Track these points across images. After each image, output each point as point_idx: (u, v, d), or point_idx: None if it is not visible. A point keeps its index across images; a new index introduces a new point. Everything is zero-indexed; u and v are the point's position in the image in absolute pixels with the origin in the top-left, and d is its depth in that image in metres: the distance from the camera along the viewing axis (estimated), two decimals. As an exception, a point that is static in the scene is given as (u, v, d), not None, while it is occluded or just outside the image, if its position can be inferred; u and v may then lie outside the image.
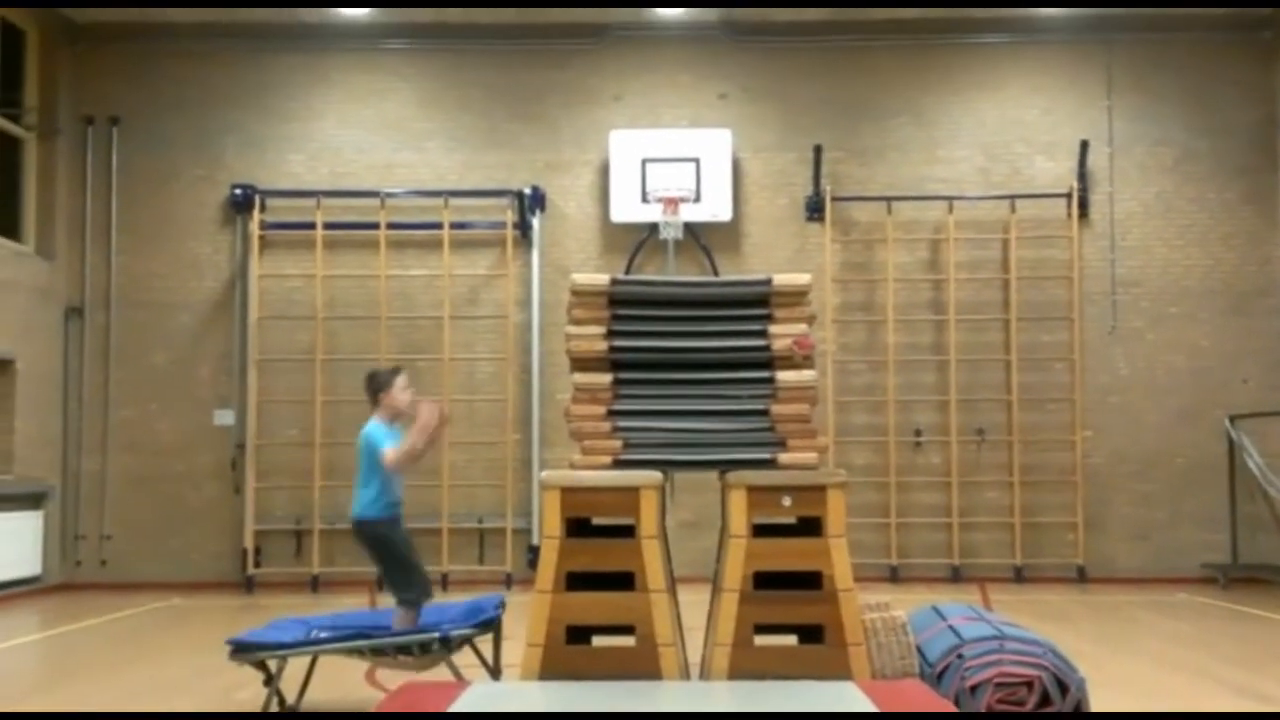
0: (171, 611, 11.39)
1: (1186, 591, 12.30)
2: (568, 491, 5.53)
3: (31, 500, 12.80)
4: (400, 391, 7.09)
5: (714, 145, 13.36)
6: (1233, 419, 13.20)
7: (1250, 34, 13.62)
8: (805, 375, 5.80)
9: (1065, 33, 13.67)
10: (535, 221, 13.57)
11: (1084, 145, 13.51)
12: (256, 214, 13.46)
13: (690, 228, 13.26)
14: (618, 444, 5.73)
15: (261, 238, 13.50)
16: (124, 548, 13.40)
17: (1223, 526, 13.15)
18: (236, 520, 13.26)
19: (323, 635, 6.44)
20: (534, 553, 12.50)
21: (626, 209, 13.26)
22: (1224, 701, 6.84)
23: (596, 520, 5.73)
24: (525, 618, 5.54)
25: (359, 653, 6.34)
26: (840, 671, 5.31)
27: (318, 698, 6.61)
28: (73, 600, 12.22)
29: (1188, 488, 13.33)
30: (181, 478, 13.46)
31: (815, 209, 13.58)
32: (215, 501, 13.41)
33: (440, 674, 6.24)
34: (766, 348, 5.81)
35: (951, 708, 4.84)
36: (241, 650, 6.18)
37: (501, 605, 6.67)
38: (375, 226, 13.41)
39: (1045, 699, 5.21)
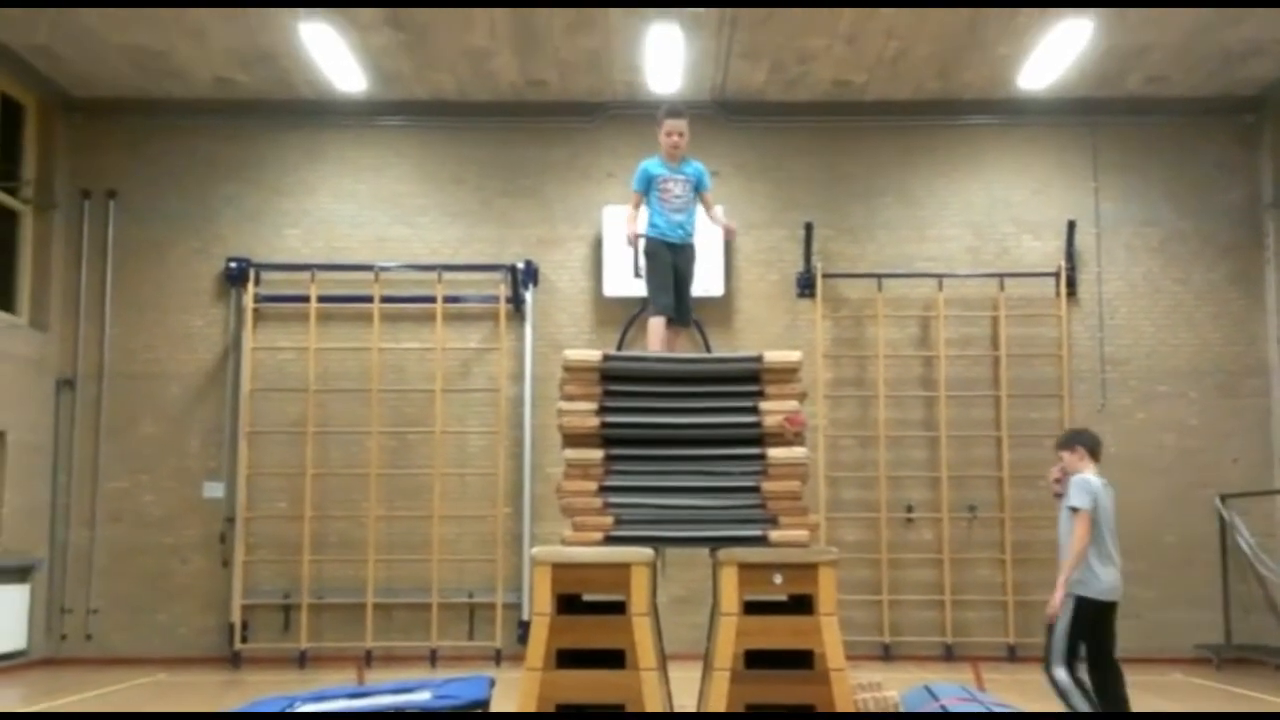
0: (157, 688, 11.25)
1: (1180, 672, 12.22)
2: (559, 568, 5.52)
3: (18, 574, 12.69)
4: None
5: (706, 221, 13.41)
6: (1223, 498, 13.21)
7: (1234, 117, 13.85)
8: (796, 452, 5.82)
9: (1051, 115, 13.88)
10: (528, 296, 13.66)
11: (1071, 225, 13.67)
12: (251, 287, 13.53)
13: (682, 303, 13.30)
14: (609, 520, 5.73)
15: (255, 310, 13.55)
16: (110, 622, 13.27)
17: (1215, 606, 13.11)
18: (224, 594, 13.15)
19: (305, 712, 6.35)
20: (524, 628, 12.40)
21: (619, 284, 13.35)
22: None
23: (587, 596, 5.71)
24: (515, 695, 5.49)
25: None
26: (832, 752, 5.27)
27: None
28: (57, 675, 12.08)
29: (1179, 567, 13.30)
30: (169, 551, 13.37)
31: (806, 285, 13.70)
32: (203, 575, 13.32)
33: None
34: (758, 424, 5.84)
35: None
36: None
37: (491, 685, 6.62)
38: (369, 300, 13.48)
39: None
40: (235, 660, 12.88)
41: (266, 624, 13.18)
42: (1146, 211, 13.86)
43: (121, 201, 13.83)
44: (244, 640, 13.02)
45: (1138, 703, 10.13)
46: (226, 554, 13.23)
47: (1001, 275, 13.63)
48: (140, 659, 12.86)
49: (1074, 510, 7.21)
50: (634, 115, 13.85)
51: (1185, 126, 13.90)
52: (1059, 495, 7.55)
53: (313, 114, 13.93)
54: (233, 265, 13.63)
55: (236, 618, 13.01)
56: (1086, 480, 7.34)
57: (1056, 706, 7.02)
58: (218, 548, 13.30)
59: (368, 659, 12.69)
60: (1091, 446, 7.57)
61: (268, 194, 13.92)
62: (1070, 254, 13.68)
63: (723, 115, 13.92)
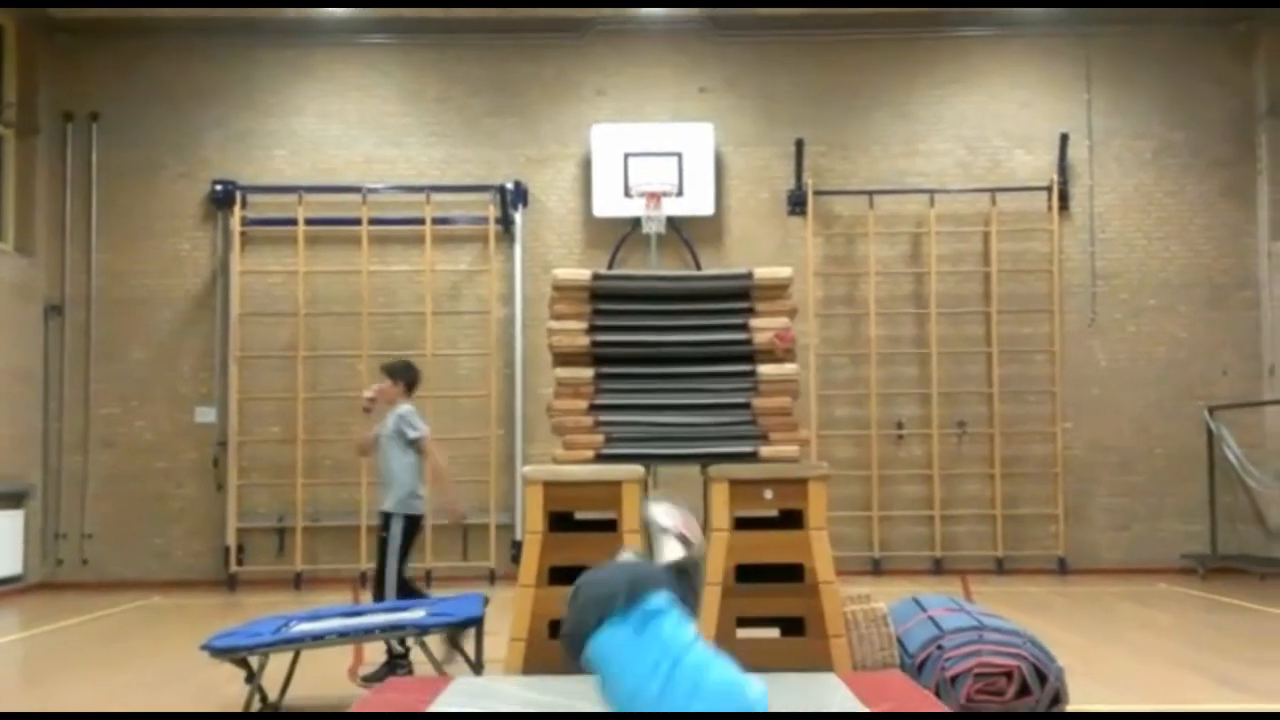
0: (153, 610, 11.35)
1: (1166, 582, 12.38)
2: (550, 486, 5.54)
3: (12, 499, 12.73)
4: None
5: (696, 139, 13.36)
6: (1211, 410, 13.28)
7: (1226, 28, 13.69)
8: (787, 369, 5.83)
9: (1043, 27, 13.71)
10: (517, 216, 13.56)
11: (1063, 139, 13.57)
12: (238, 210, 13.41)
13: (673, 222, 13.26)
14: (599, 438, 5.75)
15: (243, 234, 13.45)
16: (105, 546, 13.34)
17: (1202, 517, 13.23)
18: (218, 518, 13.22)
19: (301, 631, 6.40)
20: (517, 548, 12.49)
21: (609, 203, 13.27)
22: (1204, 691, 6.90)
23: (579, 514, 5.74)
24: (508, 613, 5.54)
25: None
26: (821, 663, 5.33)
27: (300, 694, 6.60)
28: (54, 600, 12.17)
29: (1168, 479, 13.41)
30: (163, 475, 13.41)
31: (797, 203, 13.62)
32: (197, 499, 13.37)
33: (424, 669, 6.25)
34: (748, 341, 5.83)
35: (932, 698, 4.87)
36: (219, 651, 6.13)
37: (484, 603, 6.68)
38: (357, 222, 13.38)
39: (1024, 689, 5.25)
40: (231, 583, 12.99)
41: (261, 547, 13.26)
42: (1139, 124, 13.76)
43: (105, 124, 13.64)
44: (239, 563, 13.11)
45: (1123, 612, 10.29)
46: (220, 478, 13.27)
47: (993, 190, 13.56)
48: (136, 583, 12.94)
49: (415, 440, 7.71)
50: (622, 31, 13.69)
51: (1178, 37, 13.73)
52: (368, 410, 8.05)
53: (297, 33, 13.70)
54: (219, 188, 13.50)
55: (231, 541, 13.09)
56: (413, 411, 7.88)
57: (1039, 617, 7.12)
58: (211, 472, 13.34)
59: (362, 580, 12.75)
60: (413, 383, 8.09)
61: (253, 115, 13.74)
62: (1062, 167, 13.59)
63: (713, 30, 13.72)
